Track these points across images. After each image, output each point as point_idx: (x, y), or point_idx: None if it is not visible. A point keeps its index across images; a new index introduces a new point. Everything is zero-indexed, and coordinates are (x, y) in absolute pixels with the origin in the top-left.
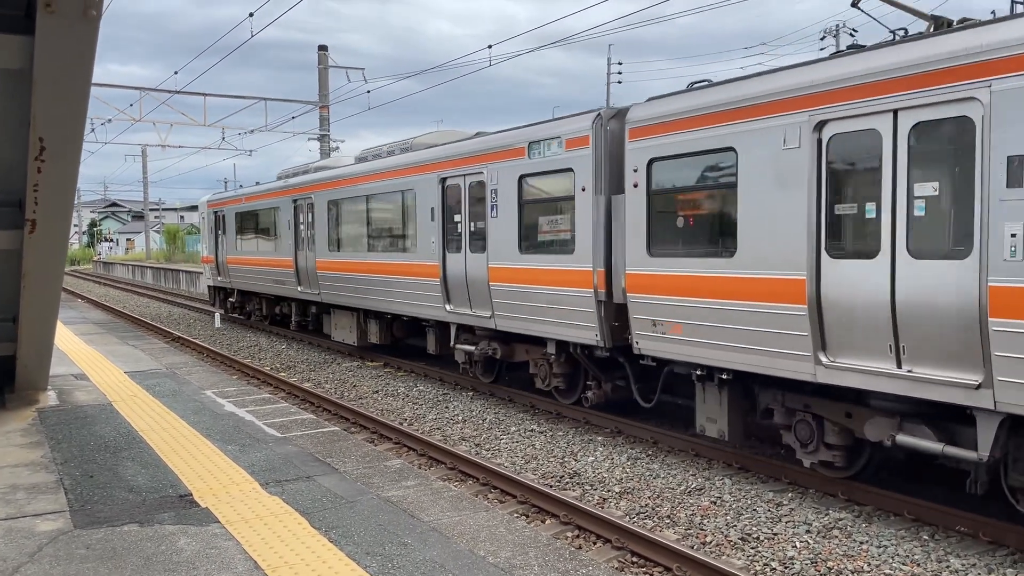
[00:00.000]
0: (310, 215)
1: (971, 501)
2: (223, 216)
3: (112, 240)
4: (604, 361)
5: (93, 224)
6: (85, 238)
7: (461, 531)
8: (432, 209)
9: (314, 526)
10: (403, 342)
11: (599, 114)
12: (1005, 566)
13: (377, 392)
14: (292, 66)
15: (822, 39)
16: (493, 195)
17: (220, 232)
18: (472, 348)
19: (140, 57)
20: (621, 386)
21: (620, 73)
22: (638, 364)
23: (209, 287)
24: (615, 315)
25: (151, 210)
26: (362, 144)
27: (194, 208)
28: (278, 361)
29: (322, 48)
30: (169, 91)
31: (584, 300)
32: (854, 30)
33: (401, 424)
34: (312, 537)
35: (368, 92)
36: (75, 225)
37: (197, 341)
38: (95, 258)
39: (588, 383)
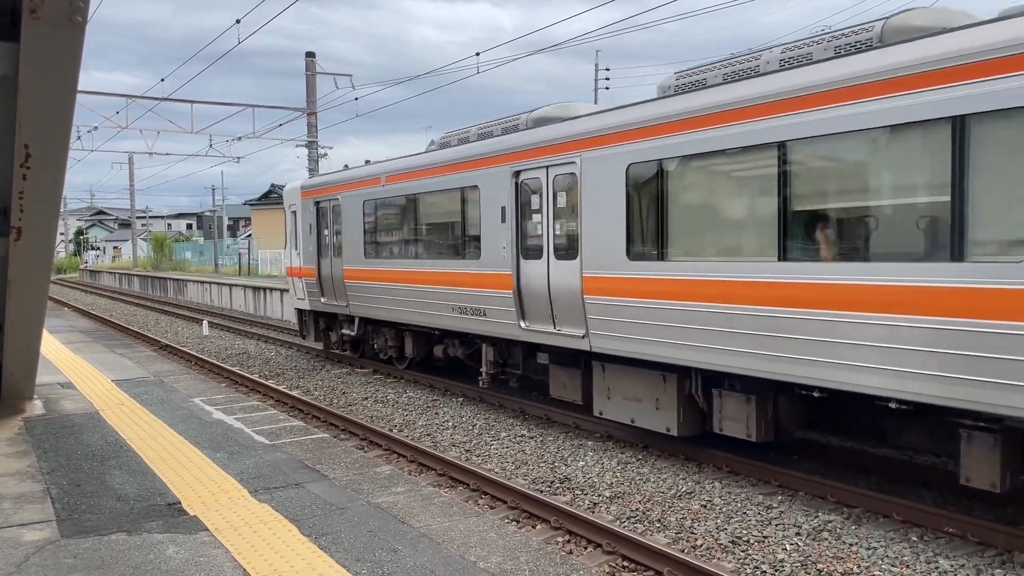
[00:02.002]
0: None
1: (960, 503)
2: (336, 208)
3: (99, 248)
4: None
5: (80, 232)
6: (71, 246)
7: (452, 537)
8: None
9: (304, 533)
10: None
11: None
12: (994, 567)
13: (367, 399)
14: (279, 73)
15: None
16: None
17: (329, 232)
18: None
19: (126, 65)
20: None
21: (608, 79)
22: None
23: (300, 311)
24: None
25: (138, 218)
26: (352, 152)
27: (182, 216)
28: (267, 369)
29: (309, 55)
30: (156, 98)
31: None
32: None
33: (391, 431)
34: (302, 544)
35: (356, 99)
36: (61, 233)
37: (185, 349)
38: (82, 266)
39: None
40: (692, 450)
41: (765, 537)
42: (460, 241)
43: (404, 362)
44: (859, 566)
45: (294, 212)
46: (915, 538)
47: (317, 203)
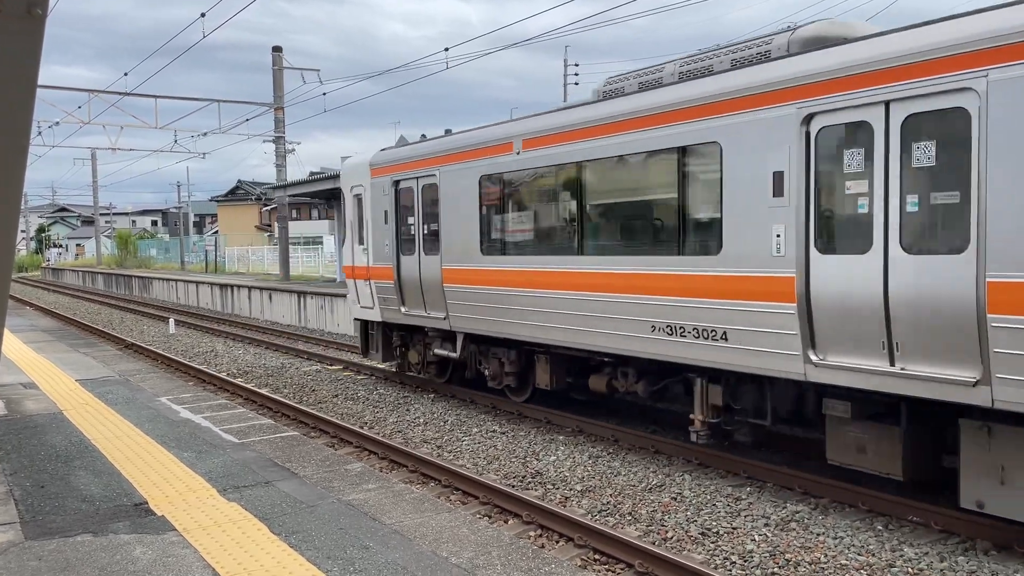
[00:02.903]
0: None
1: (923, 492)
2: (431, 188)
3: (61, 246)
4: None
5: (41, 230)
6: (33, 244)
7: (423, 533)
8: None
9: (274, 532)
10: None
11: None
12: (956, 554)
13: (337, 396)
14: (245, 68)
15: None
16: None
17: (416, 220)
18: None
19: (87, 59)
20: None
21: (577, 75)
22: None
23: (365, 323)
24: None
25: (102, 215)
26: (321, 147)
27: (147, 213)
28: (235, 367)
29: (276, 49)
30: (119, 93)
31: None
32: None
33: (362, 428)
34: (272, 543)
35: (324, 94)
36: (22, 231)
37: (151, 347)
38: (44, 264)
39: None
40: (662, 443)
41: (734, 528)
42: (672, 229)
43: (525, 393)
44: (826, 556)
45: (358, 196)
46: (880, 527)
47: (398, 183)
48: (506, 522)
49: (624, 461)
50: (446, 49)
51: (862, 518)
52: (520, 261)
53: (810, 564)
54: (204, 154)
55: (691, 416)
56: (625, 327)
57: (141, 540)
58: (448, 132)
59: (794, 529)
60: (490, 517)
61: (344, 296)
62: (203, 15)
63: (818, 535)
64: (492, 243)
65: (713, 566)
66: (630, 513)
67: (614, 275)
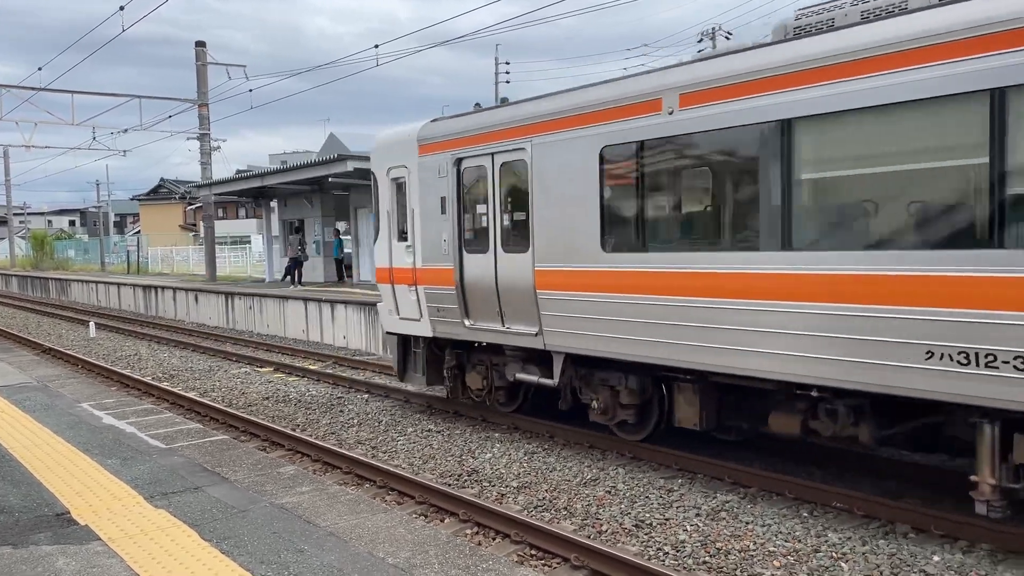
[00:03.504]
0: None
1: (846, 479)
2: (515, 166)
3: None
4: None
5: None
6: None
7: (359, 534)
8: None
9: (204, 538)
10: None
11: None
12: (877, 538)
13: (268, 398)
14: (168, 63)
15: (700, 41)
16: None
17: (491, 208)
18: None
19: None
20: None
21: (508, 73)
22: None
23: (402, 339)
24: None
25: (15, 215)
26: (246, 145)
27: (64, 212)
28: (160, 371)
29: (200, 44)
30: (33, 88)
31: None
32: (729, 33)
33: (294, 430)
34: (202, 549)
35: (250, 90)
36: None
37: (70, 352)
38: None
39: None
40: (598, 438)
41: (667, 519)
42: (978, 212)
43: (643, 430)
44: (755, 543)
45: (398, 181)
46: (806, 514)
47: (460, 161)
48: (443, 521)
49: (559, 457)
50: (376, 46)
51: (789, 505)
52: (672, 260)
53: (740, 552)
54: (124, 151)
55: (973, 478)
56: (876, 352)
57: (64, 551)
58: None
59: (724, 518)
60: (427, 516)
61: (277, 297)
62: (122, 8)
63: (747, 523)
64: (621, 236)
65: (647, 557)
66: (566, 508)
67: (857, 279)
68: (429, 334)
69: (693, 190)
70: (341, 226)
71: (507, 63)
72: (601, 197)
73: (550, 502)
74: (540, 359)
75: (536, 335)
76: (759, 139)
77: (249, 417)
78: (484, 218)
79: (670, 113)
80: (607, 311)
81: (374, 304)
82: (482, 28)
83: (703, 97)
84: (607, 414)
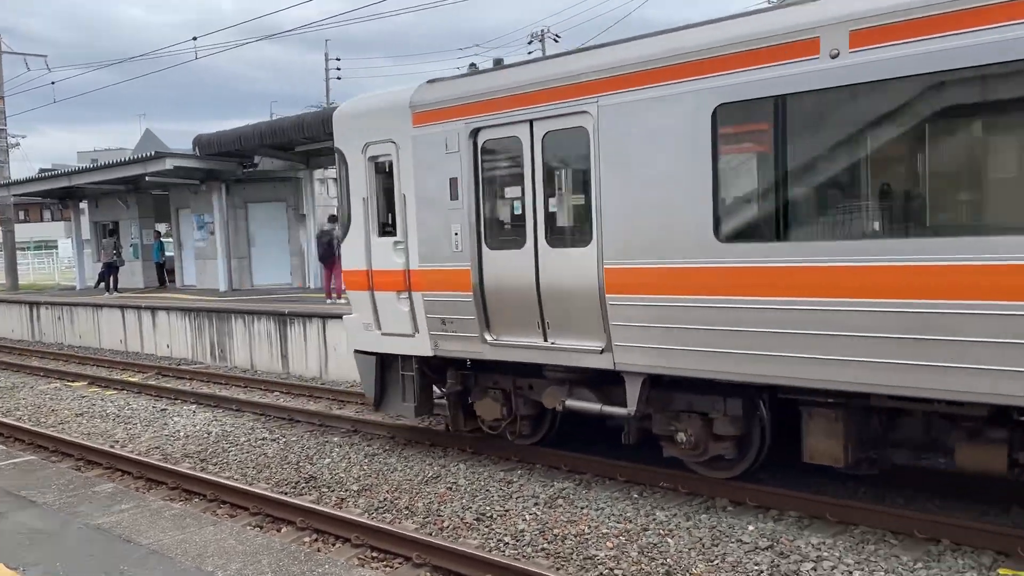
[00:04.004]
0: None
1: (674, 461)
2: (574, 138)
3: None
4: None
5: None
6: None
7: (186, 549)
8: None
9: (10, 567)
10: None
11: None
12: (700, 512)
13: (81, 415)
14: None
15: (530, 43)
16: None
17: (526, 195)
18: None
19: None
20: None
21: (339, 69)
22: None
23: (380, 358)
24: None
25: None
26: (49, 143)
27: None
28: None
29: None
30: None
31: None
32: (557, 35)
33: (112, 447)
34: None
35: (53, 83)
36: None
37: None
38: None
39: None
40: (437, 436)
41: (507, 511)
42: None
43: (739, 465)
44: (589, 527)
45: (380, 160)
46: (636, 495)
47: (478, 131)
48: (279, 530)
49: (400, 456)
50: (194, 38)
51: (621, 488)
52: (837, 251)
53: (575, 536)
54: None
55: None
56: None
57: None
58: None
59: (561, 505)
60: (261, 527)
61: (89, 305)
62: None
63: (582, 508)
64: (747, 222)
65: (488, 549)
66: (407, 507)
67: None
68: (427, 352)
69: (878, 156)
70: (162, 228)
71: (338, 59)
72: (715, 171)
73: (391, 503)
74: (597, 381)
75: (601, 352)
76: (987, 88)
77: (60, 435)
78: (517, 205)
79: (833, 56)
80: (718, 319)
81: (196, 311)
82: (309, 23)
83: (892, 33)
84: (697, 449)
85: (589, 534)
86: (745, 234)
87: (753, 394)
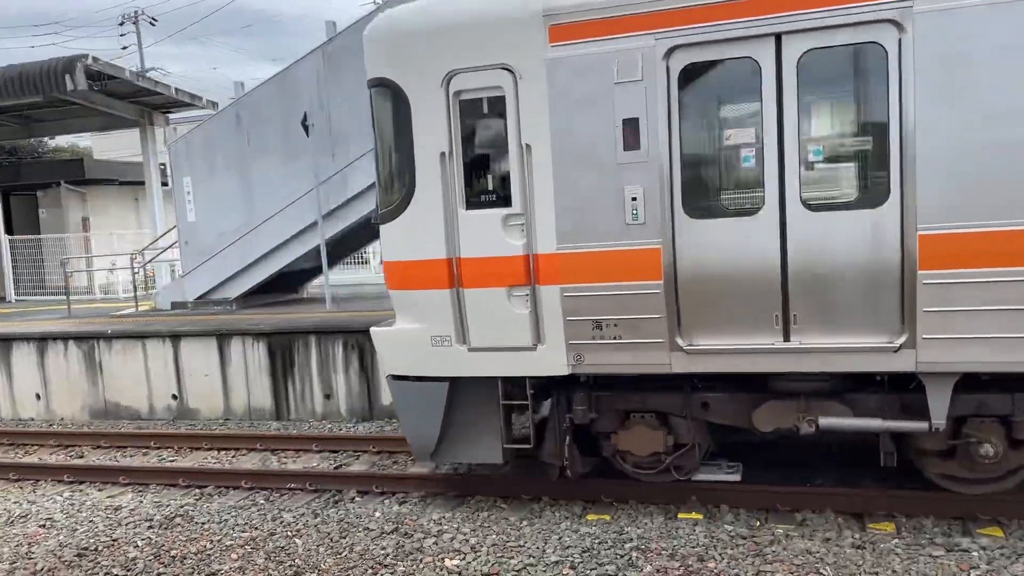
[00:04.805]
0: None
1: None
2: (877, 54)
3: None
4: None
5: None
6: None
7: None
8: None
9: None
10: None
11: None
12: (328, 507)
13: None
14: None
15: (121, 24)
16: None
17: (784, 134)
18: None
19: None
20: None
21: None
22: None
23: (453, 383)
24: None
25: None
26: None
27: None
28: None
29: None
30: None
31: None
32: (154, 18)
33: None
34: None
35: None
36: None
37: None
38: None
39: None
40: (24, 470)
41: (115, 540)
42: None
43: None
44: (211, 542)
45: (478, 97)
46: (262, 500)
47: (673, 50)
48: None
49: None
50: None
51: (246, 496)
52: None
53: (196, 554)
54: None
55: None
56: None
57: None
58: None
59: (180, 524)
60: None
61: None
62: None
63: (203, 524)
64: None
65: None
66: None
67: None
68: (559, 370)
69: None
70: None
71: None
72: None
73: None
74: (840, 391)
75: (897, 349)
76: None
77: None
78: (747, 154)
79: None
80: None
81: None
82: None
83: None
84: (1001, 463)
85: (212, 549)
86: None
87: None
